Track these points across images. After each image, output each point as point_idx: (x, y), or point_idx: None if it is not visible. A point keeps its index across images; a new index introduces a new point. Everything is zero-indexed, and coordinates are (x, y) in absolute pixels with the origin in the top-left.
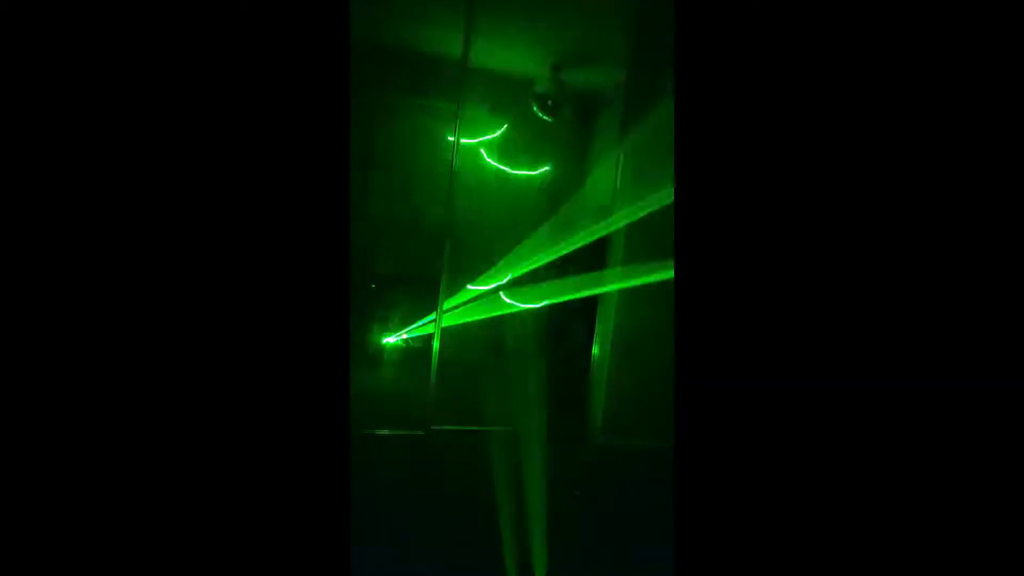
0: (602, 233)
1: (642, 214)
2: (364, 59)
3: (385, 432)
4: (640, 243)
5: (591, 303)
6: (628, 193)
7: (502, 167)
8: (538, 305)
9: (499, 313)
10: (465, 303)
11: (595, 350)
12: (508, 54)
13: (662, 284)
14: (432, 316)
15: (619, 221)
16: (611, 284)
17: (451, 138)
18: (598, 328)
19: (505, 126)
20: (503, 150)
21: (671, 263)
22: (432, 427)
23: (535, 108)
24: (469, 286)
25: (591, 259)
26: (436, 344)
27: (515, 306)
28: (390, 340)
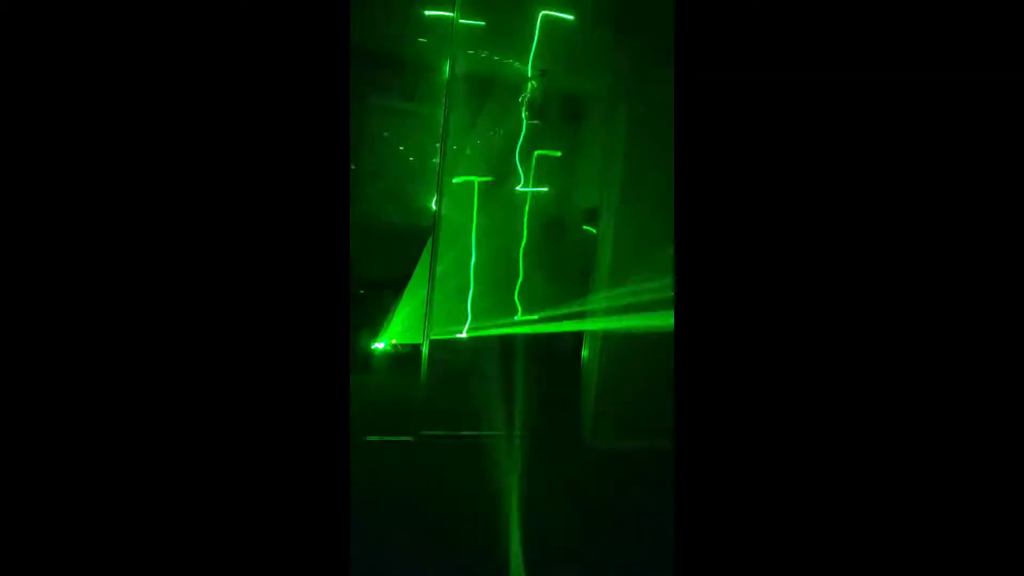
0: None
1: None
2: (357, 63)
3: (376, 438)
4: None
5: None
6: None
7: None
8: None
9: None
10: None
11: (584, 352)
12: (498, 59)
13: (656, 276)
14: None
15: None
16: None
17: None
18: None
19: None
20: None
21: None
22: (422, 432)
23: (523, 112)
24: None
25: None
26: (425, 349)
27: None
28: (379, 346)
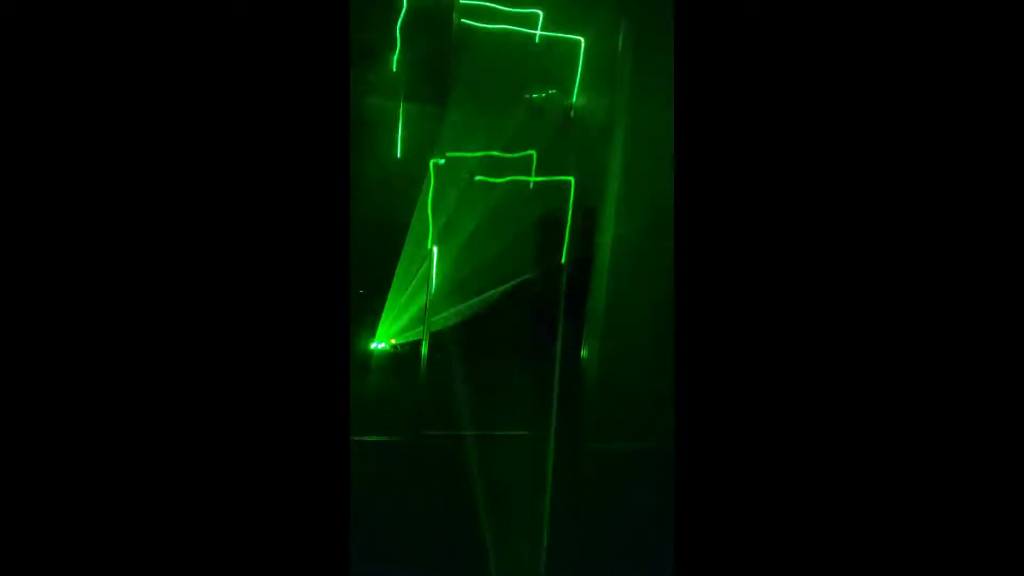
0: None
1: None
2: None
3: (375, 438)
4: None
5: (580, 299)
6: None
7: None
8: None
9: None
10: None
11: (584, 352)
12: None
13: (656, 278)
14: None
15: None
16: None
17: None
18: (588, 324)
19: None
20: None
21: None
22: (422, 432)
23: (522, 112)
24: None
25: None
26: (424, 349)
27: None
28: (379, 346)
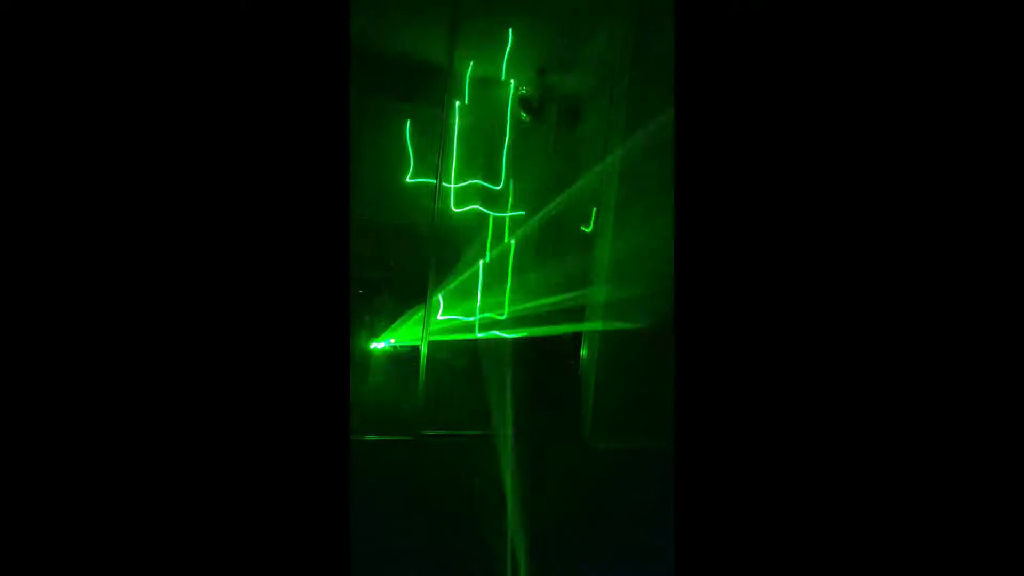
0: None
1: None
2: (355, 63)
3: (375, 438)
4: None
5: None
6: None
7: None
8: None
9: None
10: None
11: (583, 351)
12: (495, 58)
13: (656, 278)
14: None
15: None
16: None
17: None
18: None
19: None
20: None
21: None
22: (422, 432)
23: (520, 111)
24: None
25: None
26: (424, 349)
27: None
28: (378, 346)
